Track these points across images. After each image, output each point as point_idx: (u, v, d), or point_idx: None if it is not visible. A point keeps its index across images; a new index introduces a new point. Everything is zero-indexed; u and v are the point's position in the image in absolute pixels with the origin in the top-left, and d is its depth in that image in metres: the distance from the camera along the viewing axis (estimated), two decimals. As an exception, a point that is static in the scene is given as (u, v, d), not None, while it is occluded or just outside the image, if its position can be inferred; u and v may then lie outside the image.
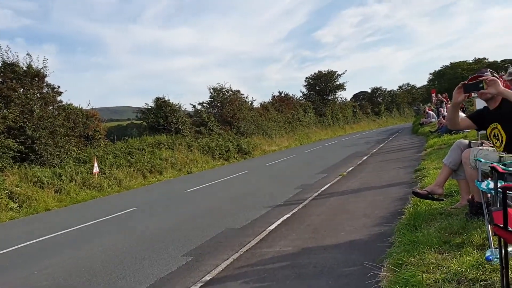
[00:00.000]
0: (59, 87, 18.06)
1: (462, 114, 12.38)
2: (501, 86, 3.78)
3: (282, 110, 38.05)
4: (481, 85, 3.78)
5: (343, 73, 51.47)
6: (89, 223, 9.42)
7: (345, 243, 5.19)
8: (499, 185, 2.82)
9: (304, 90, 50.54)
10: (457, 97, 4.03)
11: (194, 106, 29.91)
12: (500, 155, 3.84)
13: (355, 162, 14.59)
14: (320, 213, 7.22)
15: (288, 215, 7.41)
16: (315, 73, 50.55)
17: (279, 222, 6.98)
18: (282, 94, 41.60)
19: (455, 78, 60.34)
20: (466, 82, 4.00)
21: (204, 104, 30.28)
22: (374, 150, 18.63)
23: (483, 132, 4.65)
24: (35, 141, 15.56)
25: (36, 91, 16.88)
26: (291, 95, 42.97)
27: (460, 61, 66.98)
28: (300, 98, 46.47)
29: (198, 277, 4.78)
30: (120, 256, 6.22)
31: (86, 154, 17.34)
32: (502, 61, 62.08)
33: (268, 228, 6.61)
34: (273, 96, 40.84)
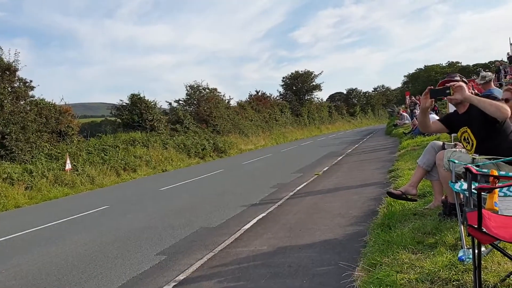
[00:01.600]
0: (31, 81, 17.68)
1: (435, 116, 12.64)
2: (467, 92, 3.85)
3: (259, 109, 38.11)
4: (448, 91, 3.85)
5: (320, 73, 51.91)
6: (61, 220, 9.22)
7: (320, 242, 5.19)
8: (474, 186, 2.85)
9: (281, 89, 50.80)
10: (425, 102, 4.11)
11: (170, 104, 29.75)
12: (473, 156, 3.89)
13: (331, 162, 14.69)
14: (295, 212, 7.22)
15: (263, 214, 7.39)
16: (292, 73, 50.82)
17: (254, 221, 6.95)
18: (259, 93, 41.74)
19: (429, 81, 61.48)
20: (432, 87, 4.06)
21: (180, 102, 30.15)
22: (349, 151, 18.80)
23: (455, 134, 4.73)
24: (5, 136, 15.18)
25: (7, 85, 16.43)
26: (268, 95, 43.17)
27: (434, 65, 68.35)
28: (277, 98, 46.68)
29: (172, 277, 4.71)
30: (92, 254, 6.10)
31: (58, 151, 16.99)
32: (474, 65, 63.60)
33: (244, 227, 6.58)
34: (250, 95, 40.95)
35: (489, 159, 3.74)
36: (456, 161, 3.77)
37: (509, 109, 3.70)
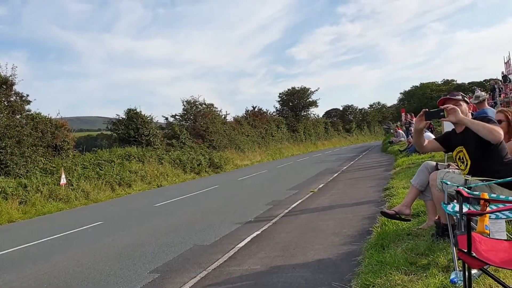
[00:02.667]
0: (28, 95, 17.70)
1: (430, 135, 12.70)
2: (461, 114, 3.89)
3: (256, 124, 38.20)
4: (442, 113, 3.91)
5: (316, 90, 52.21)
6: (54, 236, 9.15)
7: (314, 261, 5.18)
8: (464, 209, 2.87)
9: (278, 105, 51.03)
10: (419, 124, 4.16)
11: (166, 118, 29.81)
12: (466, 178, 3.92)
13: (326, 179, 14.70)
14: (290, 231, 7.21)
15: (258, 232, 7.37)
16: (288, 89, 51.09)
17: (248, 239, 6.93)
18: (256, 109, 41.84)
19: (424, 98, 61.89)
20: (427, 110, 4.12)
21: (176, 117, 30.21)
22: (345, 167, 18.82)
23: (450, 153, 4.75)
24: (0, 150, 15.12)
25: (3, 99, 16.45)
26: (265, 110, 43.30)
27: (429, 82, 68.71)
28: (274, 113, 46.84)
29: (164, 296, 4.68)
30: (85, 271, 6.05)
31: (53, 165, 16.94)
32: (469, 83, 64.07)
33: (238, 245, 6.55)
34: (247, 111, 41.03)
35: (482, 180, 3.77)
36: (449, 183, 3.79)
37: (502, 132, 3.75)
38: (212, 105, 32.34)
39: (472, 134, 3.90)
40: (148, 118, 24.74)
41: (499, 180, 3.63)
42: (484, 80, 55.86)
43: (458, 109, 3.91)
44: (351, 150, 35.41)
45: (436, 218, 4.64)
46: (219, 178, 21.67)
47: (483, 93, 9.13)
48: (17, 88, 17.20)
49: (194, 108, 30.64)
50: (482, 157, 3.92)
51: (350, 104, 70.50)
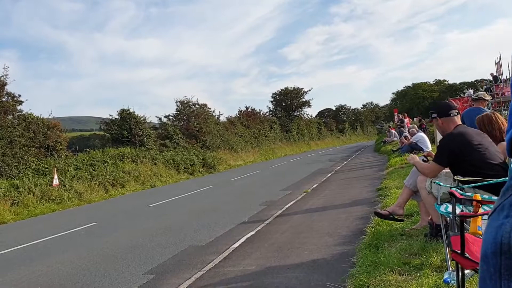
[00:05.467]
0: (19, 95, 17.60)
1: (423, 135, 12.76)
2: (414, 159, 4.70)
3: (249, 125, 38.20)
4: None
5: (309, 90, 52.33)
6: (47, 238, 9.11)
7: (308, 262, 5.21)
8: (457, 210, 2.91)
9: (271, 105, 51.08)
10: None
11: (160, 119, 29.74)
12: (457, 178, 3.96)
13: (320, 179, 14.75)
14: (284, 231, 7.23)
15: (252, 233, 7.39)
16: (281, 90, 51.19)
17: (243, 239, 6.95)
18: (249, 109, 41.84)
19: (416, 98, 62.27)
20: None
21: (170, 117, 30.14)
22: (338, 167, 18.88)
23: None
24: (-8, 151, 15.03)
25: (-5, 99, 16.35)
26: (258, 110, 43.32)
27: (421, 82, 69.17)
28: (267, 114, 46.85)
29: (159, 297, 4.69)
30: (79, 273, 6.04)
31: (46, 166, 16.85)
32: (460, 83, 64.61)
33: (232, 246, 6.57)
34: (240, 111, 41.01)
35: (467, 182, 3.80)
36: (442, 183, 3.83)
37: (432, 169, 4.25)
38: (205, 105, 32.35)
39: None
40: (142, 119, 24.69)
41: (485, 182, 3.67)
42: (475, 80, 56.33)
43: (414, 156, 4.86)
44: (344, 150, 35.48)
45: (429, 218, 4.69)
46: (212, 178, 21.66)
47: (481, 92, 9.42)
48: (8, 88, 17.13)
49: (187, 108, 30.62)
50: (461, 163, 4.01)
51: (343, 104, 70.74)
